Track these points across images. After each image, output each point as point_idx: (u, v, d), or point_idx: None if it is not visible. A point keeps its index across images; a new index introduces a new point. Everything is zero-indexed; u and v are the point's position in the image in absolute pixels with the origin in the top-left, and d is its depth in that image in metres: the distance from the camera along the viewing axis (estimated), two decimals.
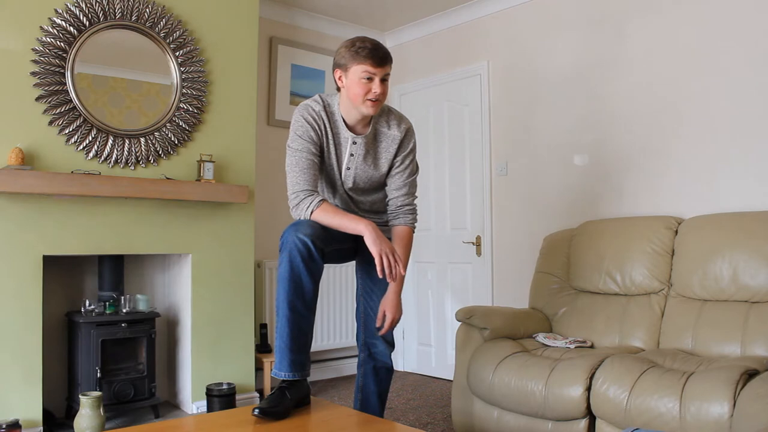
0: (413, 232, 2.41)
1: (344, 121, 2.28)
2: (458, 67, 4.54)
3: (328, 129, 2.28)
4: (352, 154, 2.30)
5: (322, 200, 2.18)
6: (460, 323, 3.16)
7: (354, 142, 2.29)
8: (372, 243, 2.08)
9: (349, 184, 2.35)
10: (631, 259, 3.10)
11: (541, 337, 3.08)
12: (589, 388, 2.49)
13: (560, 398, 2.52)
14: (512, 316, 3.16)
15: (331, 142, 2.29)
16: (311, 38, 4.68)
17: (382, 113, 2.35)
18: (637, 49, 3.53)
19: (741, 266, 2.75)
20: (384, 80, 2.19)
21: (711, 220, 2.98)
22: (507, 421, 2.77)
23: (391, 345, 2.49)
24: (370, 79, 2.16)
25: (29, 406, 2.92)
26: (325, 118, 2.27)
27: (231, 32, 3.68)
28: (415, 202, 2.43)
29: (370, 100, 2.18)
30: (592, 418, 2.52)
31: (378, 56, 2.15)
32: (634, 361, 2.48)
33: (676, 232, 3.08)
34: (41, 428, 2.95)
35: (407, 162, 2.37)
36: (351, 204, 2.42)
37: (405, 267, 2.23)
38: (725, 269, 2.79)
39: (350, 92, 2.20)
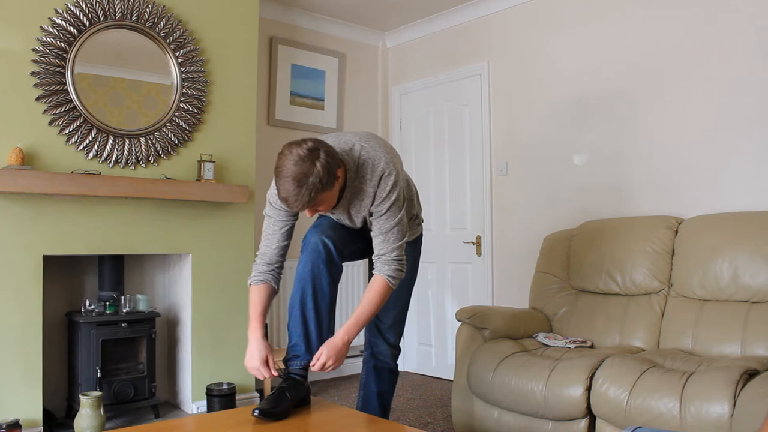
0: (389, 285, 2.11)
1: None
2: (458, 67, 4.54)
3: None
4: (332, 213, 2.21)
5: (261, 282, 2.19)
6: (460, 323, 3.16)
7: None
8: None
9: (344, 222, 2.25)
10: (632, 259, 3.10)
11: (541, 337, 3.08)
12: (589, 388, 2.49)
13: (560, 398, 2.52)
14: (512, 316, 3.16)
15: None
16: (311, 38, 4.68)
17: (357, 173, 2.08)
18: (638, 48, 3.52)
19: (741, 266, 2.75)
20: (315, 208, 1.99)
21: (711, 220, 2.98)
22: (507, 421, 2.77)
23: (392, 347, 2.50)
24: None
25: (29, 406, 2.92)
26: None
27: (231, 32, 3.68)
28: (396, 252, 2.11)
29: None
30: (592, 418, 2.52)
31: (293, 209, 1.99)
32: (634, 361, 2.48)
33: (677, 232, 3.07)
34: (41, 428, 2.95)
35: (382, 209, 2.09)
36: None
37: (363, 324, 2.11)
38: (725, 269, 2.79)
39: None
